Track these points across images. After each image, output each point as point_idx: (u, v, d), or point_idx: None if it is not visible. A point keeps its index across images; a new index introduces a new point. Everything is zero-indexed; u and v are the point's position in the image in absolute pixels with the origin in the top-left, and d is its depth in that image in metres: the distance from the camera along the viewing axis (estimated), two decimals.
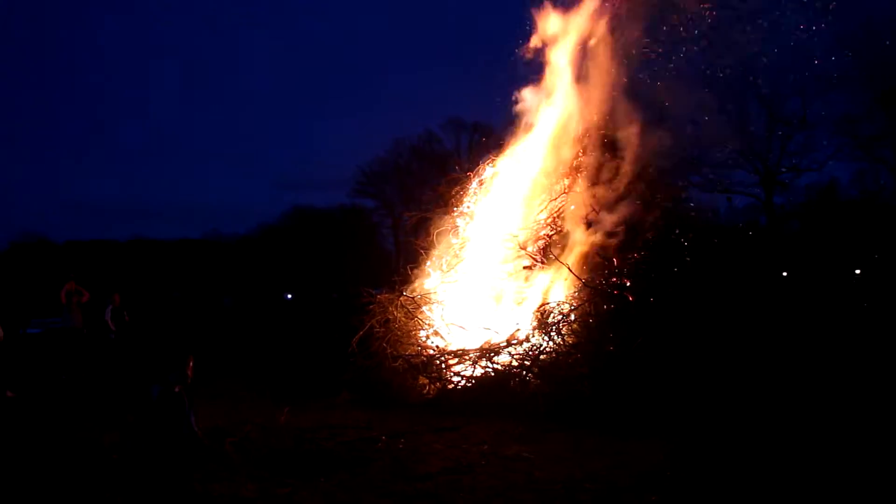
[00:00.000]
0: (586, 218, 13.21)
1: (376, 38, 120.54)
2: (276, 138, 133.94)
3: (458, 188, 14.53)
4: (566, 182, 13.72)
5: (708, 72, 15.28)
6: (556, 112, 13.92)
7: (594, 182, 13.34)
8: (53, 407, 12.10)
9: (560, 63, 13.86)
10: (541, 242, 13.38)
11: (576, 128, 13.77)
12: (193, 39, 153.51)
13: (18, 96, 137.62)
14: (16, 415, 11.65)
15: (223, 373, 14.47)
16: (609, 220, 13.05)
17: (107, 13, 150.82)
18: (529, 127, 14.16)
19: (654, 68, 13.88)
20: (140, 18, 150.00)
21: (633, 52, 13.50)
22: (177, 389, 7.33)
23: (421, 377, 12.12)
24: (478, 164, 14.62)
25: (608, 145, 13.66)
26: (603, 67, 13.46)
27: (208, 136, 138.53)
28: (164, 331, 20.23)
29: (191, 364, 7.21)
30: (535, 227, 13.52)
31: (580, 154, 13.78)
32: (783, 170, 42.71)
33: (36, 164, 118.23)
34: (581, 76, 13.76)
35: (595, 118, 13.67)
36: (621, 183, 13.06)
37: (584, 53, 13.71)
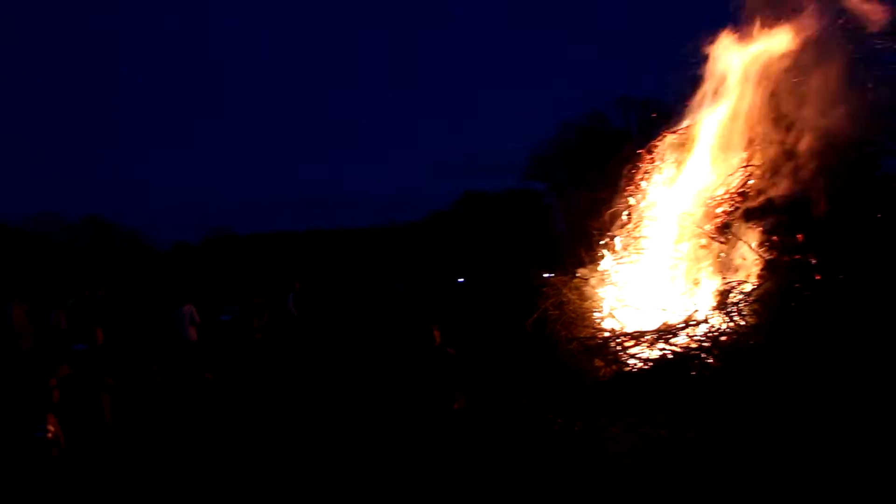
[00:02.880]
0: (767, 191, 12.57)
1: (539, 16, 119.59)
2: (444, 125, 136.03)
3: (630, 167, 14.19)
4: (744, 155, 13.09)
5: None
6: (735, 82, 13.26)
7: (775, 153, 12.65)
8: (247, 387, 12.93)
9: (742, 32, 13.15)
10: (718, 220, 12.84)
11: (756, 98, 13.06)
12: (361, 34, 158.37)
13: (200, 103, 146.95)
14: (213, 394, 12.54)
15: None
16: (792, 193, 12.39)
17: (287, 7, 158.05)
18: (705, 100, 13.60)
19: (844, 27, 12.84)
20: (313, 16, 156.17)
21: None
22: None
23: (596, 360, 11.99)
24: (650, 142, 14.20)
25: (791, 113, 12.87)
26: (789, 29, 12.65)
27: (379, 128, 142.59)
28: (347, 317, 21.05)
29: (436, 332, 7.34)
30: (711, 204, 12.99)
31: (759, 125, 13.07)
32: None
33: (224, 161, 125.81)
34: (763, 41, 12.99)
35: (778, 87, 12.90)
36: (805, 152, 12.31)
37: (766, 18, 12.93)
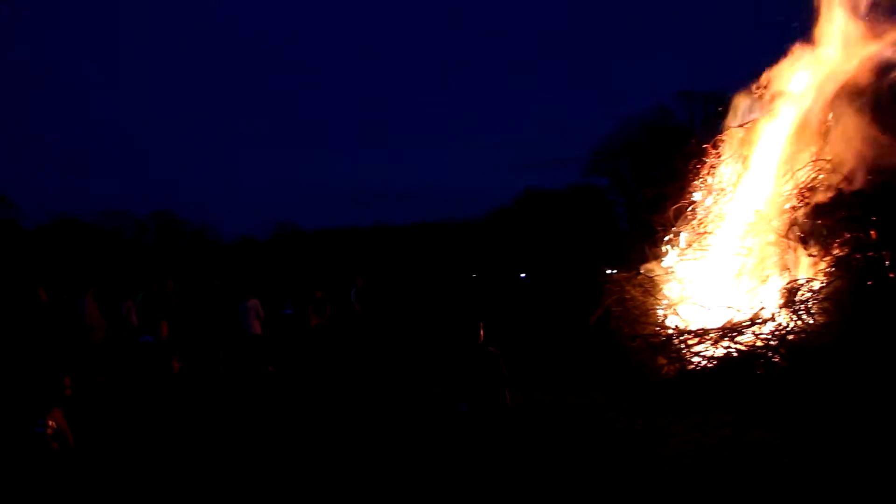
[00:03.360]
0: (837, 188, 12.21)
1: (600, 13, 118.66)
2: (505, 120, 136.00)
3: (694, 162, 13.95)
4: (814, 149, 12.72)
5: None
6: (808, 72, 12.88)
7: (848, 147, 12.23)
8: (308, 380, 13.11)
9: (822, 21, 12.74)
10: (786, 216, 12.51)
11: (829, 88, 12.65)
12: (423, 27, 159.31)
13: (266, 101, 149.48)
14: (275, 387, 12.75)
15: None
16: (863, 188, 12.02)
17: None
18: (771, 92, 13.28)
19: None
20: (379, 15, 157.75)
21: None
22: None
23: (660, 357, 11.83)
24: (714, 136, 13.92)
25: (867, 104, 12.40)
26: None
27: (439, 122, 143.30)
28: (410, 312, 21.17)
29: (481, 330, 7.29)
30: (779, 200, 12.68)
31: (830, 118, 12.66)
32: None
33: (289, 158, 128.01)
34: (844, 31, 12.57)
35: (855, 73, 12.44)
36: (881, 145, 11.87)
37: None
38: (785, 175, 12.74)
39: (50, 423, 6.17)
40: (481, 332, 7.21)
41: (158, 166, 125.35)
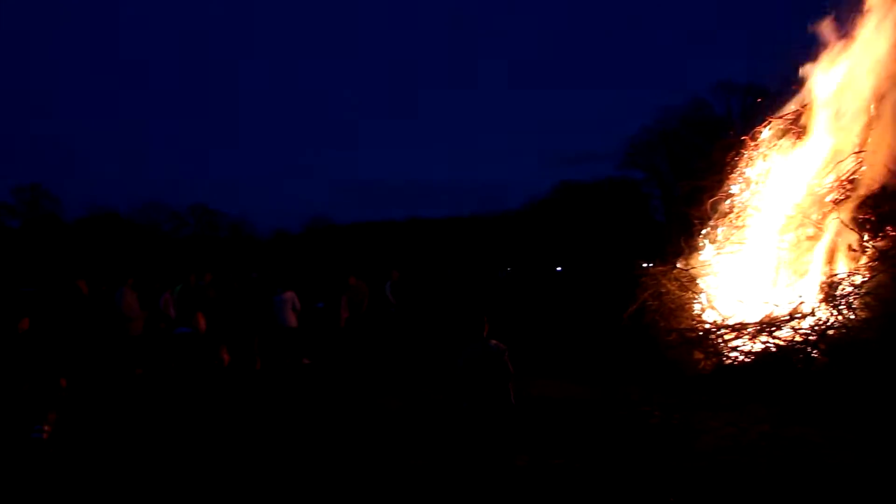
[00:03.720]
0: (881, 179, 11.93)
1: (635, 10, 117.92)
2: (541, 114, 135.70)
3: (732, 154, 13.76)
4: (857, 139, 12.44)
5: None
6: (850, 59, 12.60)
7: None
8: (342, 372, 13.15)
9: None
10: (827, 208, 12.27)
11: (874, 73, 12.33)
12: (465, 27, 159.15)
13: (301, 93, 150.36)
14: (310, 379, 12.80)
15: None
16: None
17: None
18: (813, 80, 13.01)
19: None
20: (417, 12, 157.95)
21: None
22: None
23: (696, 352, 11.70)
24: (753, 128, 13.70)
25: None
26: None
27: (473, 116, 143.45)
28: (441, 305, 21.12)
29: (486, 326, 7.21)
30: (819, 192, 12.44)
31: (876, 105, 12.34)
32: None
33: (325, 149, 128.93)
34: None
35: None
36: None
37: None
38: (826, 165, 12.50)
39: (46, 427, 6.18)
40: (486, 326, 7.14)
41: (190, 161, 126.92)
